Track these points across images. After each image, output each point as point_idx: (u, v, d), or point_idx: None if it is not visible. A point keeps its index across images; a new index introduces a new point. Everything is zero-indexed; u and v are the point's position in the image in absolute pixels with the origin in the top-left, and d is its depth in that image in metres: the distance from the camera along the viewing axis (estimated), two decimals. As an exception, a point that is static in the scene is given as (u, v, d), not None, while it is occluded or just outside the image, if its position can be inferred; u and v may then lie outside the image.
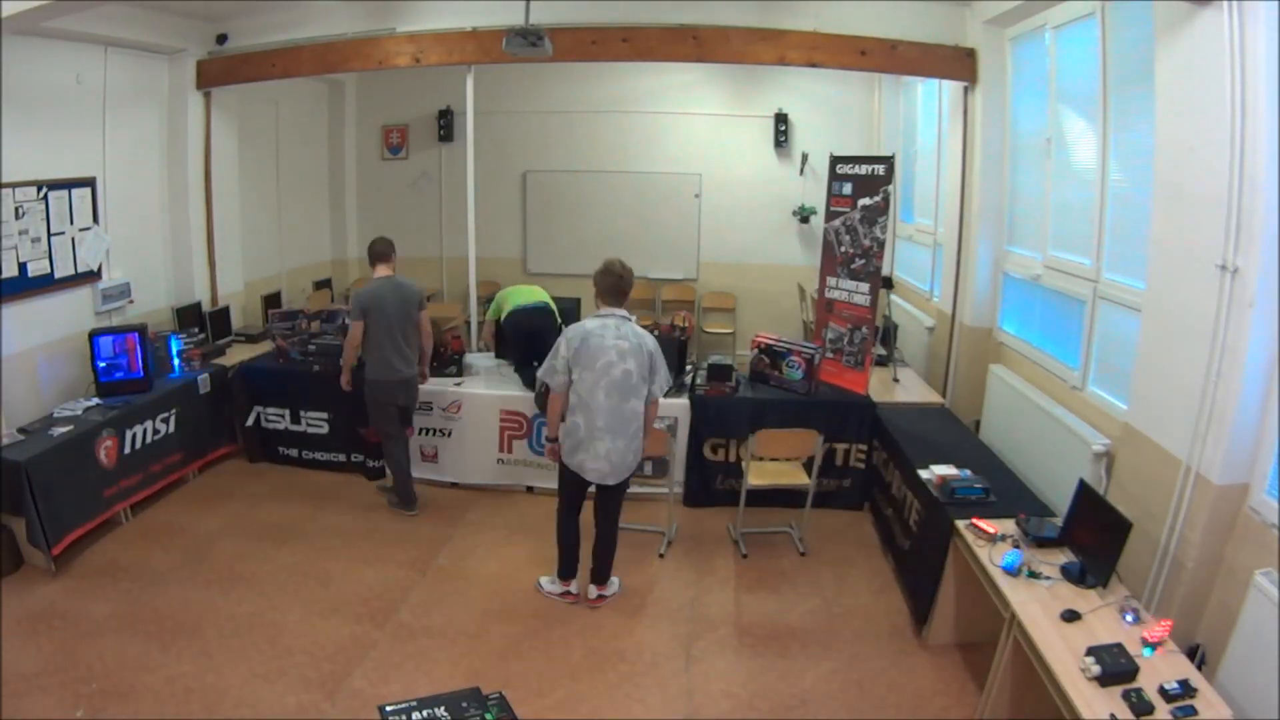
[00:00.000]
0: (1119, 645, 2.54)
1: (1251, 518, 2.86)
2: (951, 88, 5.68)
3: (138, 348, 4.88)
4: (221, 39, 5.87)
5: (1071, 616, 2.78)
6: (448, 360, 5.32)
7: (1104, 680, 2.42)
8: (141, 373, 4.90)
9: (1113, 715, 2.30)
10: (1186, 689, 2.40)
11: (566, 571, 4.03)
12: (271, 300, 6.78)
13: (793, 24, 5.35)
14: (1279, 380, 2.79)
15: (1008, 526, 3.39)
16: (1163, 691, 2.38)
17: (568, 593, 4.03)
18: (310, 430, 5.46)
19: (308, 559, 4.34)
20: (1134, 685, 2.40)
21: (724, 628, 3.82)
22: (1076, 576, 3.00)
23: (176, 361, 5.29)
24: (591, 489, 3.89)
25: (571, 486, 3.90)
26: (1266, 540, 2.76)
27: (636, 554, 4.44)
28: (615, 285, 3.73)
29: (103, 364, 4.79)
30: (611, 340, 3.65)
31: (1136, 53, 3.61)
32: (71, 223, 5.00)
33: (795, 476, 4.50)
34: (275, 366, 5.54)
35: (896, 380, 5.46)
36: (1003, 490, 3.77)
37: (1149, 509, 3.19)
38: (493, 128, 7.80)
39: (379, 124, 8.58)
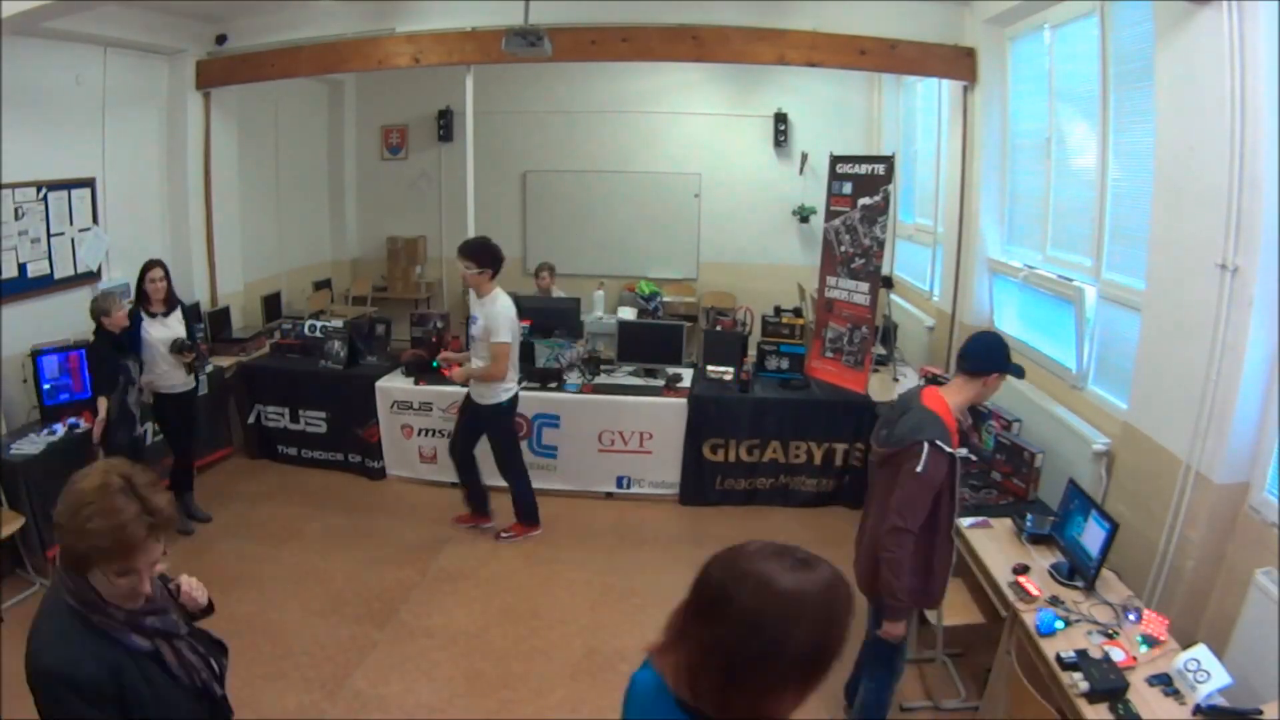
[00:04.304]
0: (1108, 659, 2.49)
1: (1252, 517, 2.86)
2: (951, 87, 5.67)
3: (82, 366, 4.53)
4: (221, 39, 5.87)
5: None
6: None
7: (1092, 697, 2.39)
8: (89, 393, 4.47)
9: (1115, 715, 2.30)
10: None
11: None
12: (271, 301, 6.77)
13: (792, 24, 5.34)
14: (1279, 379, 2.79)
15: (1006, 525, 3.39)
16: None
17: None
18: (309, 429, 5.47)
19: (308, 559, 4.34)
20: (1123, 700, 2.35)
21: (724, 627, 3.81)
22: (1065, 576, 2.99)
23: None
24: None
25: None
26: (1267, 539, 2.76)
27: (638, 553, 4.45)
28: None
29: (47, 385, 4.46)
30: None
31: (1136, 52, 3.60)
32: (71, 223, 5.00)
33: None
34: (274, 365, 5.56)
35: (897, 380, 5.46)
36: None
37: (1149, 508, 3.19)
38: (492, 128, 7.79)
39: (379, 124, 8.58)
